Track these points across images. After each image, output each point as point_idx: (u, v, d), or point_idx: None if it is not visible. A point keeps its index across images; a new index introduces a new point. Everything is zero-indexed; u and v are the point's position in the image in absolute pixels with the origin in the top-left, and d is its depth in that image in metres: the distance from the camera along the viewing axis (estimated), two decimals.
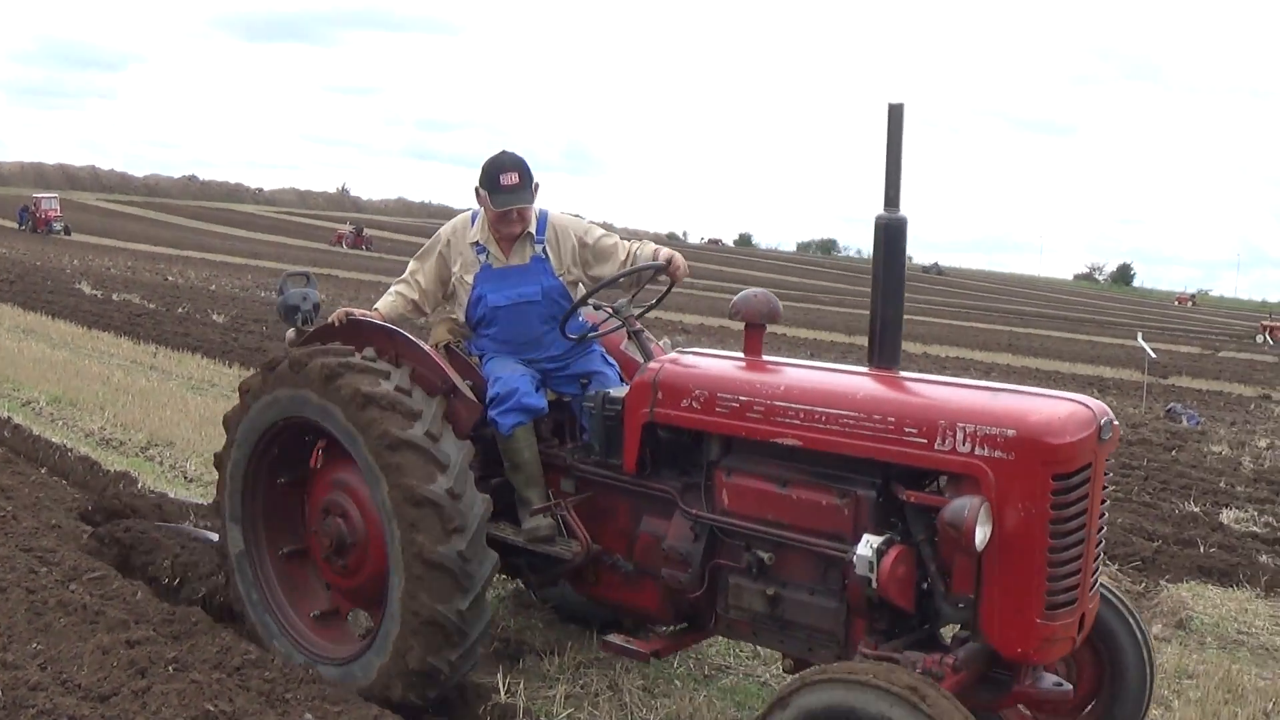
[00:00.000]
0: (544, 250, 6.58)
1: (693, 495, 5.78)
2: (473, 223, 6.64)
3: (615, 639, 5.92)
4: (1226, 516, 12.40)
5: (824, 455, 5.23)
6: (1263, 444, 18.53)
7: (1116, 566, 9.89)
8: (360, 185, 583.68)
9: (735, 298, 5.94)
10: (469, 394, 6.21)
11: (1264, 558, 10.63)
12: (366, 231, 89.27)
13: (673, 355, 6.05)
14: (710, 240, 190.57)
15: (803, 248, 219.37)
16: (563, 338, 6.50)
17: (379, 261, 63.43)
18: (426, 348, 6.31)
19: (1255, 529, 11.95)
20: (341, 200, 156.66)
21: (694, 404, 5.63)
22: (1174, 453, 16.76)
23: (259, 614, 6.55)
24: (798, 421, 5.26)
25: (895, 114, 5.21)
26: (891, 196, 5.28)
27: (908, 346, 33.87)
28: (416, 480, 5.66)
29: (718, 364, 5.90)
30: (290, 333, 6.98)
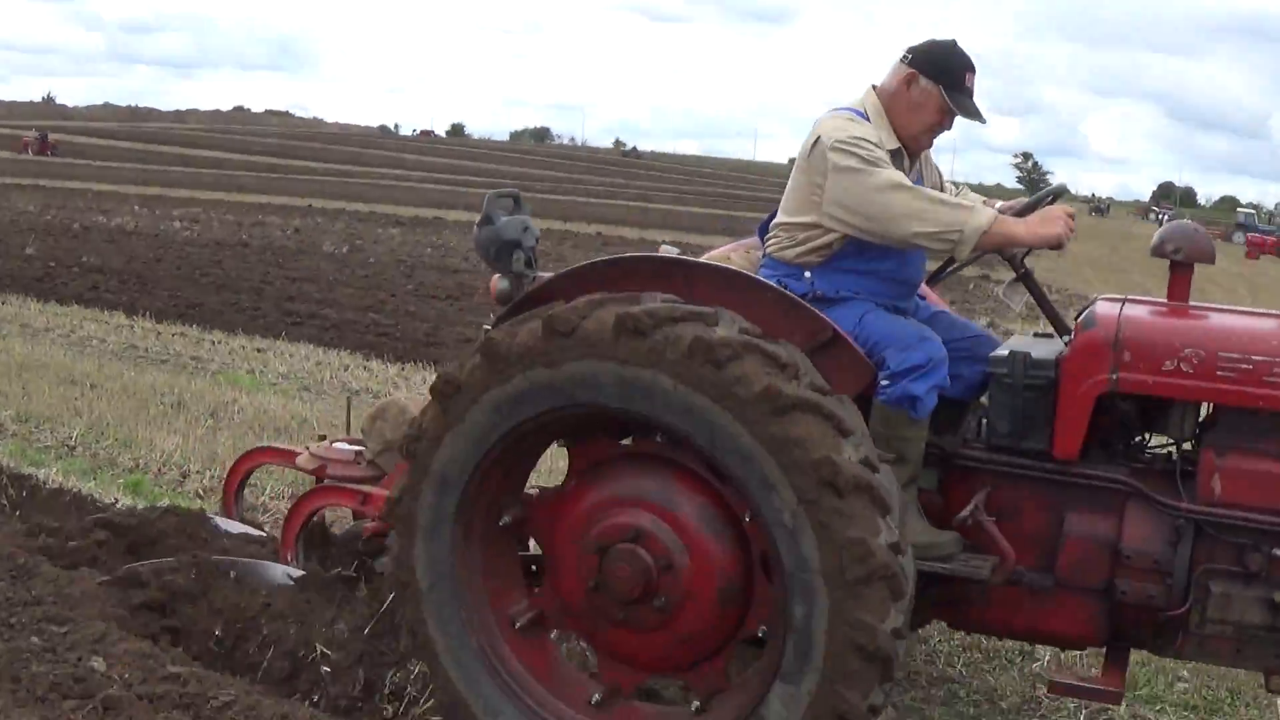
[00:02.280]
0: (919, 175, 5.10)
1: (1163, 484, 4.59)
2: (866, 121, 4.83)
3: (1064, 679, 4.65)
4: None
5: None
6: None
7: None
8: (66, 93, 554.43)
9: (1165, 229, 4.88)
10: (858, 350, 4.44)
11: None
12: (52, 137, 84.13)
13: (1108, 306, 4.72)
14: (422, 132, 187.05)
15: (515, 136, 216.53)
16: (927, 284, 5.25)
17: (86, 168, 60.27)
18: (775, 285, 4.54)
19: None
20: (48, 109, 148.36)
21: (1184, 366, 4.44)
22: None
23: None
24: None
25: None
26: None
27: (603, 231, 34.12)
28: (826, 451, 3.99)
29: (1193, 316, 4.80)
30: (498, 280, 4.82)
